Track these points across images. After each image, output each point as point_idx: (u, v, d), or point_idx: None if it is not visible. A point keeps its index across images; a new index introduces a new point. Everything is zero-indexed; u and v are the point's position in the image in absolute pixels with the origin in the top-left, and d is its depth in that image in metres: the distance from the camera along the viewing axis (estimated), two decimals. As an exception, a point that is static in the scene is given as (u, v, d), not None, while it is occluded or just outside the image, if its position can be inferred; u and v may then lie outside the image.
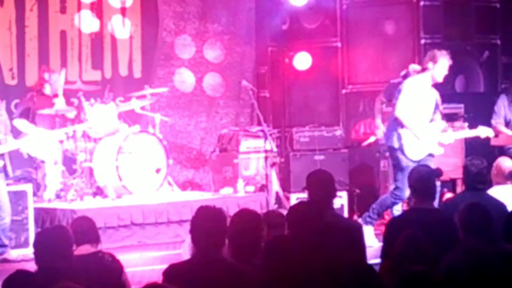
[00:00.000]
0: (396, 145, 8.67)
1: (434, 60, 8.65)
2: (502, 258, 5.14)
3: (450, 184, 10.18)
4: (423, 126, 8.67)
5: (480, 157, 6.95)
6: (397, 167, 8.74)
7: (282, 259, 4.63)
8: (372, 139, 10.84)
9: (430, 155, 8.68)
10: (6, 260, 8.40)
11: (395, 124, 8.73)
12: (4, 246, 8.49)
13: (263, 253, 4.78)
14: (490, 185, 7.31)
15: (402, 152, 8.63)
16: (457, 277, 4.99)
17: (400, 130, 8.63)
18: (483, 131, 9.11)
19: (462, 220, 5.35)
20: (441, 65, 8.66)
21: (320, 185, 6.05)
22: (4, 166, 8.64)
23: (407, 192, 8.57)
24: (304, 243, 4.93)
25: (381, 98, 10.45)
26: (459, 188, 9.95)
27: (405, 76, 9.71)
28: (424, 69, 8.80)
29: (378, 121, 10.38)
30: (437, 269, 5.00)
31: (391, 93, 9.95)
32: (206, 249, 4.76)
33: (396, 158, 8.71)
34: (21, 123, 9.80)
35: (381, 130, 10.20)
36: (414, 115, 8.64)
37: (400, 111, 8.63)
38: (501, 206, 6.58)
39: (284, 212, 5.89)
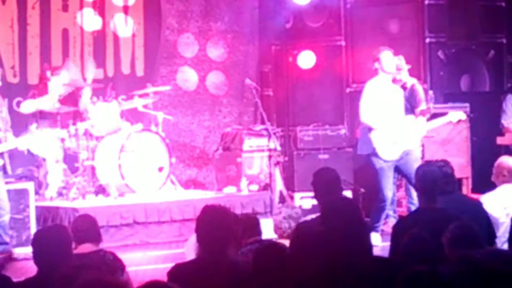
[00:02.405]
0: (368, 151, 8.79)
1: (375, 59, 8.84)
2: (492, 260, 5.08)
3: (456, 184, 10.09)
4: (390, 124, 8.74)
5: (444, 160, 6.90)
6: (373, 171, 8.86)
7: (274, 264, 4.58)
8: None
9: (407, 152, 8.70)
10: (11, 259, 8.34)
11: (364, 131, 8.81)
12: (5, 243, 8.43)
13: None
14: (487, 186, 7.27)
15: (375, 155, 8.76)
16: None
17: (371, 135, 8.72)
18: (454, 116, 9.22)
19: (451, 241, 5.24)
20: (384, 59, 8.82)
21: (326, 183, 6.00)
22: (3, 164, 8.57)
23: (388, 192, 8.73)
24: (341, 239, 4.82)
25: None
26: (465, 188, 9.89)
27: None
28: (376, 72, 8.91)
29: None
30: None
31: None
32: (211, 249, 4.71)
33: (371, 163, 8.83)
34: (28, 105, 9.80)
35: None
36: (380, 115, 8.74)
37: (364, 116, 8.77)
38: (477, 205, 6.55)
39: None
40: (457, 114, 9.26)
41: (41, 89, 10.12)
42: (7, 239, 8.45)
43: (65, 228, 4.95)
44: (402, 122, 8.87)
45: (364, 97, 8.87)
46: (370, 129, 8.79)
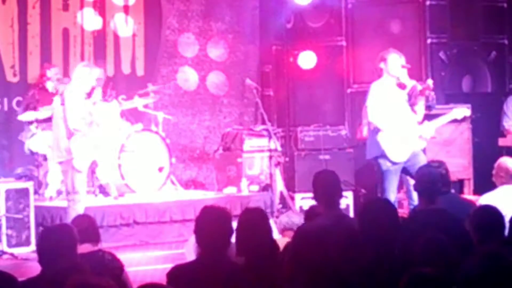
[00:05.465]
0: (377, 153, 8.64)
1: (383, 60, 8.64)
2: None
3: (458, 185, 10.07)
4: (398, 125, 8.60)
5: (439, 160, 6.86)
6: (380, 172, 8.74)
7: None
8: None
9: (416, 153, 8.59)
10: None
11: (373, 133, 8.70)
12: None
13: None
14: (488, 187, 7.24)
15: (383, 157, 8.59)
16: (479, 283, 4.86)
17: (378, 138, 8.59)
18: (458, 113, 8.96)
19: (476, 223, 5.23)
20: (391, 61, 8.61)
21: (326, 186, 5.97)
22: None
23: (391, 195, 8.60)
24: (377, 240, 4.80)
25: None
26: (466, 189, 9.86)
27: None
28: (381, 73, 8.74)
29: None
30: (457, 275, 4.87)
31: None
32: (210, 250, 4.69)
33: (378, 164, 8.72)
34: (28, 115, 9.78)
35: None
36: (388, 117, 8.59)
37: (373, 116, 8.61)
38: (471, 206, 6.51)
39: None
40: (461, 111, 8.97)
41: (41, 88, 10.09)
42: None
43: (71, 228, 4.89)
44: (408, 123, 8.74)
45: (370, 98, 8.70)
46: (377, 131, 8.69)
